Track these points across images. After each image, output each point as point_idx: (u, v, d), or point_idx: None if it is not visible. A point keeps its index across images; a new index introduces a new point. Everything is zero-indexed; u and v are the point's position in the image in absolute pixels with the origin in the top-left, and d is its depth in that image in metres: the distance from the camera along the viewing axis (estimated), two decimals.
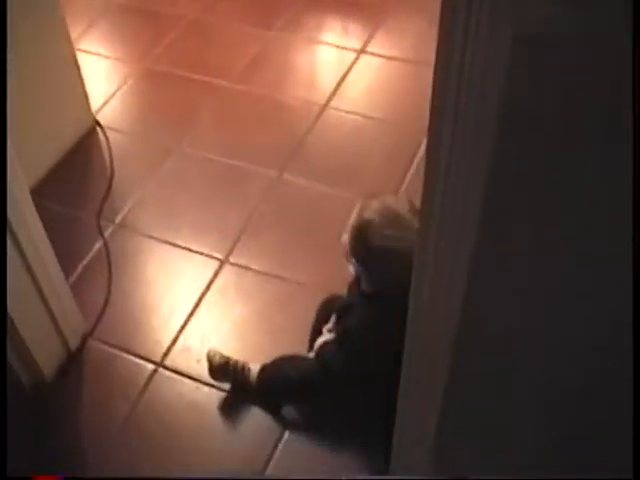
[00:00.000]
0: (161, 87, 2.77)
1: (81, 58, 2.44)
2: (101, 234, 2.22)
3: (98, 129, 2.54)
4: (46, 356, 1.83)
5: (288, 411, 1.80)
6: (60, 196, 2.30)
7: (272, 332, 1.98)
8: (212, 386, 1.86)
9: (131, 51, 2.92)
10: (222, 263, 2.15)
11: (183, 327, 2.00)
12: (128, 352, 1.94)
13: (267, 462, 1.72)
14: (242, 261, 2.16)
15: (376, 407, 1.73)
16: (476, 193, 0.75)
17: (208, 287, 2.09)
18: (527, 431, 1.06)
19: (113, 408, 1.84)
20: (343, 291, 1.82)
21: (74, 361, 1.91)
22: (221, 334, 1.99)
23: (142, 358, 1.93)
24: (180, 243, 2.20)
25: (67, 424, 1.83)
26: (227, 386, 1.85)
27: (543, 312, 0.87)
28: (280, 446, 1.75)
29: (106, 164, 2.44)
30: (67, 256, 1.94)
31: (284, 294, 2.08)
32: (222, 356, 1.80)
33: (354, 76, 2.79)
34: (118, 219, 2.28)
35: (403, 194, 1.64)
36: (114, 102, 2.69)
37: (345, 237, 1.59)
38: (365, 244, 1.53)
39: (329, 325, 1.78)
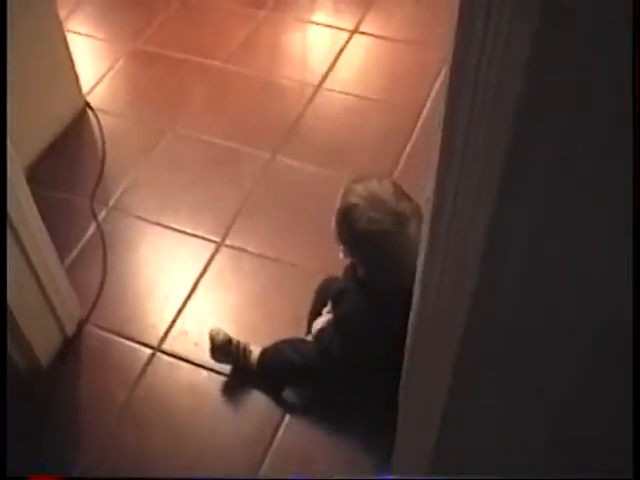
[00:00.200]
0: (152, 68, 2.73)
1: (69, 39, 2.39)
2: (95, 218, 2.19)
3: (89, 111, 2.51)
4: (43, 342, 1.82)
5: (289, 394, 1.79)
6: (52, 180, 2.27)
7: (269, 314, 1.97)
8: (211, 370, 1.85)
9: (121, 32, 2.87)
10: (218, 246, 2.13)
11: (180, 311, 1.98)
12: (125, 337, 1.93)
13: (269, 444, 1.71)
14: (238, 243, 2.14)
15: (376, 390, 1.73)
16: (489, 188, 0.74)
17: (205, 270, 2.07)
18: (527, 431, 1.06)
19: (111, 394, 1.82)
20: (339, 273, 1.81)
21: (71, 347, 1.90)
22: (218, 317, 1.97)
23: (139, 343, 1.92)
24: (175, 226, 2.18)
25: (65, 411, 1.81)
26: (226, 370, 1.84)
27: (543, 312, 0.86)
28: (281, 430, 1.74)
29: (98, 147, 2.41)
30: (60, 241, 1.91)
31: (280, 276, 2.07)
32: (225, 334, 1.79)
33: (347, 56, 2.76)
34: (111, 202, 2.26)
35: (386, 178, 1.64)
36: (104, 84, 2.65)
37: (334, 222, 1.58)
38: (351, 228, 1.53)
39: (327, 308, 1.78)
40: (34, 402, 1.79)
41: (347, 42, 2.81)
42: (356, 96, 2.61)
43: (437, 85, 2.59)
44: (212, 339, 1.79)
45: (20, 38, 2.08)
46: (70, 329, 1.90)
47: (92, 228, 2.18)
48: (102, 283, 2.03)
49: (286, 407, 1.78)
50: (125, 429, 1.76)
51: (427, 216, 0.95)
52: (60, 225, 2.05)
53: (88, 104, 2.52)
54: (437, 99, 2.55)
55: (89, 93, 2.58)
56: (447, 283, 0.92)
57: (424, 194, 1.54)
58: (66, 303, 1.86)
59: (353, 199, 1.52)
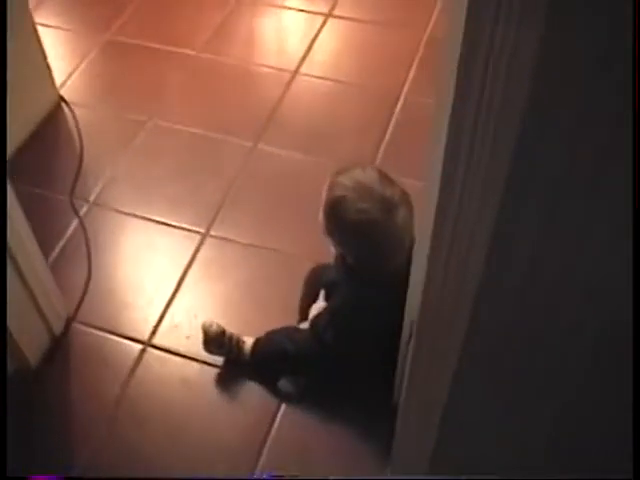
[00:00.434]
0: (126, 59, 2.68)
1: (39, 31, 2.34)
2: (76, 214, 2.15)
3: (64, 105, 2.46)
4: (30, 343, 1.78)
5: (283, 384, 1.78)
6: (29, 177, 2.22)
7: (259, 304, 1.96)
8: (204, 362, 1.83)
9: (91, 22, 2.81)
10: (203, 236, 2.11)
11: (169, 304, 1.95)
12: (114, 333, 1.90)
13: (267, 434, 1.70)
14: (223, 233, 2.12)
15: (371, 377, 1.73)
16: (496, 185, 0.72)
17: (191, 261, 2.05)
18: (527, 431, 1.06)
19: (103, 392, 1.79)
20: (326, 259, 1.79)
21: (59, 346, 1.86)
22: (208, 309, 1.95)
23: (129, 338, 1.89)
24: (159, 219, 2.15)
25: (57, 411, 1.78)
26: (219, 362, 1.83)
27: (543, 312, 0.86)
28: (277, 419, 1.73)
29: (75, 141, 2.37)
30: (42, 238, 1.87)
31: (268, 264, 2.05)
32: (219, 326, 1.77)
33: (322, 41, 2.74)
34: (92, 197, 2.22)
35: (369, 165, 1.62)
36: (77, 77, 2.60)
37: (321, 215, 1.57)
38: (340, 221, 1.51)
39: (322, 295, 1.76)
40: (25, 404, 1.76)
41: (322, 26, 2.78)
42: (334, 80, 2.59)
43: (415, 66, 2.58)
44: (205, 331, 1.77)
45: None
46: (58, 328, 1.86)
47: (74, 224, 2.14)
48: (88, 280, 2.00)
49: (281, 396, 1.77)
50: (120, 426, 1.73)
51: (429, 216, 0.92)
52: (40, 222, 1.98)
53: (62, 98, 2.47)
54: (416, 80, 2.54)
55: (62, 86, 2.53)
56: (450, 283, 0.91)
57: (409, 178, 1.55)
58: (52, 302, 1.82)
59: (339, 192, 1.50)
